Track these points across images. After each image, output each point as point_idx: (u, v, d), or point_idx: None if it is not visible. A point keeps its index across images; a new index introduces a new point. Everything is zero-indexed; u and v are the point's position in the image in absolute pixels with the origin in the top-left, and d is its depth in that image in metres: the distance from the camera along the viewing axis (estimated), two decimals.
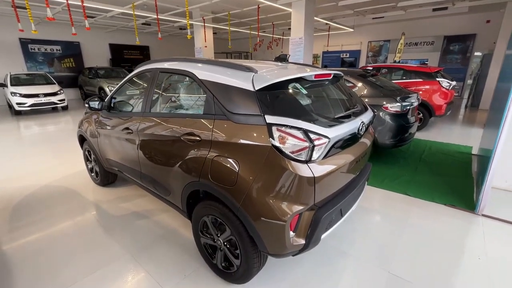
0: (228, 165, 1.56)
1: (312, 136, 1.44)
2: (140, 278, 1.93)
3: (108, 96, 2.78)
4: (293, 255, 1.58)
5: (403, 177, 3.59)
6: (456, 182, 3.44)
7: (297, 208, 1.45)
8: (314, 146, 1.43)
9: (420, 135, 5.60)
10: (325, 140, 1.48)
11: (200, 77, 1.83)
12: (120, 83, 2.70)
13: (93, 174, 3.45)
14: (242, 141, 1.52)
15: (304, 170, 1.42)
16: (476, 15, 10.54)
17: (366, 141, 2.02)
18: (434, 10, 9.97)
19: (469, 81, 11.37)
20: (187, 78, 2.02)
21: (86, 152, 3.41)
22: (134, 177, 2.58)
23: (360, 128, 1.82)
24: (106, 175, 3.25)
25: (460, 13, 10.60)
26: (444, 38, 11.49)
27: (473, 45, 11.00)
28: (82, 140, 3.42)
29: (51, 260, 2.12)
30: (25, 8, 8.34)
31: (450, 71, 11.25)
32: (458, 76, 11.32)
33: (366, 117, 2.00)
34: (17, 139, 5.98)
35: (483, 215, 2.66)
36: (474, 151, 4.59)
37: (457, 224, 2.57)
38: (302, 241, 1.53)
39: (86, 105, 2.76)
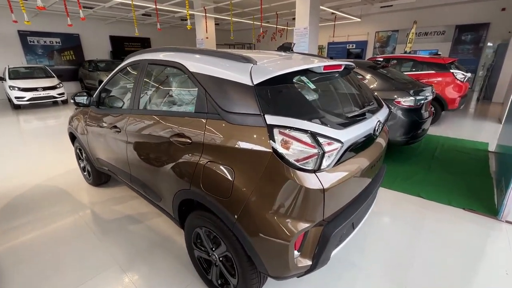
0: (222, 173, 1.33)
1: (321, 140, 1.20)
2: None
3: (97, 91, 2.56)
4: (297, 277, 1.37)
5: (415, 177, 3.34)
6: (473, 182, 3.18)
7: (303, 225, 1.22)
8: (324, 153, 1.19)
9: (431, 130, 5.30)
10: (337, 145, 1.24)
11: (191, 70, 1.59)
12: (108, 77, 2.48)
13: (85, 173, 3.26)
14: (238, 145, 1.29)
15: (312, 181, 1.19)
16: (491, 2, 9.99)
17: (382, 141, 1.78)
18: None
19: (481, 73, 10.91)
20: (177, 71, 1.78)
21: (78, 150, 3.22)
22: (125, 179, 2.38)
23: (376, 128, 1.58)
24: (98, 174, 3.06)
25: (473, 0, 10.07)
26: (455, 27, 10.97)
27: (486, 35, 10.48)
28: (73, 137, 3.23)
29: (39, 268, 1.96)
30: None
31: (462, 62, 10.78)
32: (470, 67, 10.84)
33: (382, 114, 1.75)
34: (15, 134, 5.82)
35: (507, 221, 2.42)
36: (491, 148, 4.30)
37: (478, 231, 2.33)
38: (309, 262, 1.31)
39: (72, 100, 2.54)
